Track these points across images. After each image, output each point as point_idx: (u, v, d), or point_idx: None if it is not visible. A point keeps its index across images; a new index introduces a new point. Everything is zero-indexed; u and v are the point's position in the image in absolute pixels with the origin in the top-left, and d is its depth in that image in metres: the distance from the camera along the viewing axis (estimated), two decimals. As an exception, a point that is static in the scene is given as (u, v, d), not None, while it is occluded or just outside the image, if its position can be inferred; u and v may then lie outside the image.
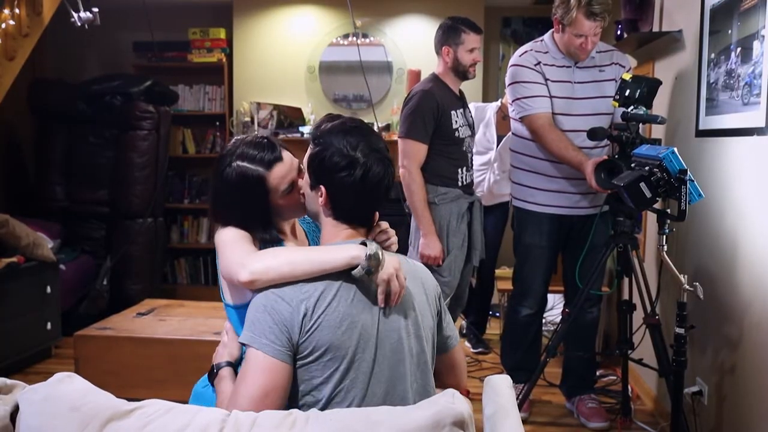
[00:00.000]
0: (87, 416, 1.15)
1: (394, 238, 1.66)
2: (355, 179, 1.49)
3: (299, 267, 1.46)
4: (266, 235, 1.62)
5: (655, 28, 3.45)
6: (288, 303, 1.43)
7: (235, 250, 1.55)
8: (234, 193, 1.61)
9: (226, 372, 1.56)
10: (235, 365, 1.57)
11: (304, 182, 1.60)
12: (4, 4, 3.94)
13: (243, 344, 1.46)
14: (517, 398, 2.11)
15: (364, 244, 1.48)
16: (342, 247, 1.49)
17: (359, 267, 1.44)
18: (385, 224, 1.64)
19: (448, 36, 3.25)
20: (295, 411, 1.21)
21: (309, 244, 1.80)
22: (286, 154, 1.65)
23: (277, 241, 1.64)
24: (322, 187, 1.52)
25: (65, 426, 1.15)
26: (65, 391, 1.20)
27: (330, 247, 1.51)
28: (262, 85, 5.45)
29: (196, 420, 1.16)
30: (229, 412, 1.20)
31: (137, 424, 1.15)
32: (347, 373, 1.44)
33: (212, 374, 1.59)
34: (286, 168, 1.63)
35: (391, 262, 1.49)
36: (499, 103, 4.28)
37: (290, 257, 1.48)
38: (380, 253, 1.46)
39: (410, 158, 3.17)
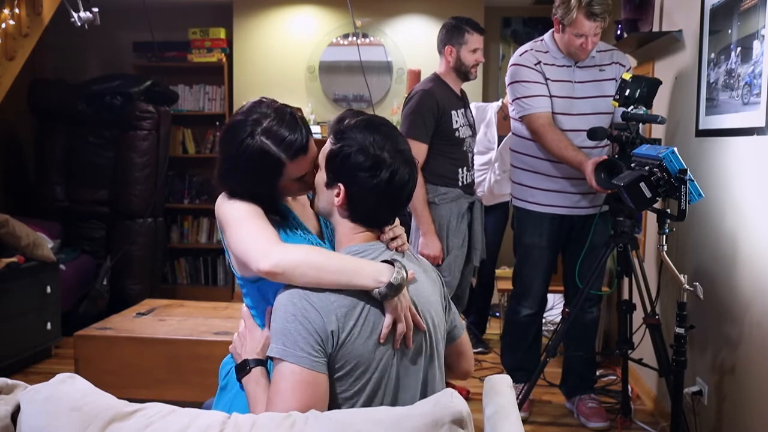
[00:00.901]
0: (88, 417, 1.15)
1: (407, 245, 1.58)
2: (381, 181, 1.41)
3: (327, 276, 1.36)
4: (272, 213, 1.54)
5: (655, 28, 3.45)
6: (318, 311, 1.34)
7: (253, 232, 1.45)
8: (247, 167, 1.51)
9: (258, 373, 1.46)
10: (265, 362, 1.48)
11: (319, 178, 1.51)
12: (4, 4, 3.94)
13: (272, 358, 1.37)
14: (517, 398, 2.11)
15: (392, 263, 1.40)
16: (372, 266, 1.39)
17: (377, 290, 1.36)
18: (400, 230, 1.56)
19: (451, 35, 3.26)
20: (294, 413, 1.20)
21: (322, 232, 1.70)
22: (311, 144, 1.55)
23: (283, 217, 1.58)
24: (342, 186, 1.44)
25: (66, 426, 1.15)
26: (67, 392, 1.20)
27: (361, 261, 1.41)
28: (262, 85, 5.45)
29: (196, 422, 1.16)
30: (230, 415, 1.20)
31: (138, 426, 1.15)
32: (379, 385, 1.38)
33: (242, 369, 1.48)
34: (308, 161, 1.54)
35: (407, 298, 1.41)
36: (500, 103, 4.29)
37: (322, 261, 1.38)
38: (403, 284, 1.38)
39: None
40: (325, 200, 1.51)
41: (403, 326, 1.40)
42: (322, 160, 1.50)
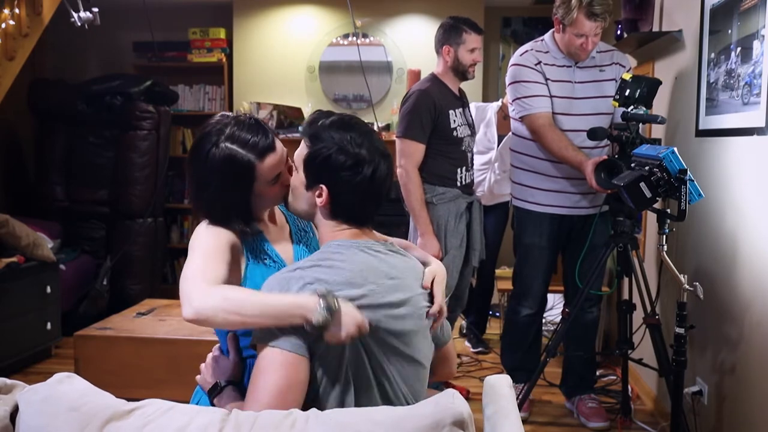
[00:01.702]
0: (86, 416, 1.15)
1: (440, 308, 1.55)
2: (364, 178, 1.43)
3: (250, 319, 1.35)
4: (247, 228, 1.52)
5: (655, 28, 3.45)
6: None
7: (194, 271, 1.40)
8: (217, 177, 1.48)
9: (231, 389, 1.48)
10: (237, 384, 1.50)
11: (297, 181, 1.51)
12: (4, 4, 3.94)
13: (252, 348, 1.39)
14: (517, 398, 2.11)
15: (325, 297, 1.34)
16: (296, 303, 1.34)
17: (308, 327, 1.33)
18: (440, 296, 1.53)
19: (449, 35, 3.26)
20: (295, 411, 1.20)
21: (290, 228, 1.68)
22: (278, 143, 1.54)
23: (257, 234, 1.55)
24: (324, 187, 1.45)
25: (65, 426, 1.14)
26: (65, 392, 1.20)
27: (284, 299, 1.37)
28: (262, 85, 5.45)
29: (195, 420, 1.16)
30: (229, 411, 1.20)
31: (137, 424, 1.15)
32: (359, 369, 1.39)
33: (214, 390, 1.49)
34: (277, 158, 1.52)
35: (351, 318, 1.34)
36: (500, 102, 4.28)
37: (240, 305, 1.35)
38: (328, 321, 1.31)
39: (407, 158, 3.18)
40: (304, 202, 1.51)
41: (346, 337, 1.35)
42: (299, 162, 1.50)
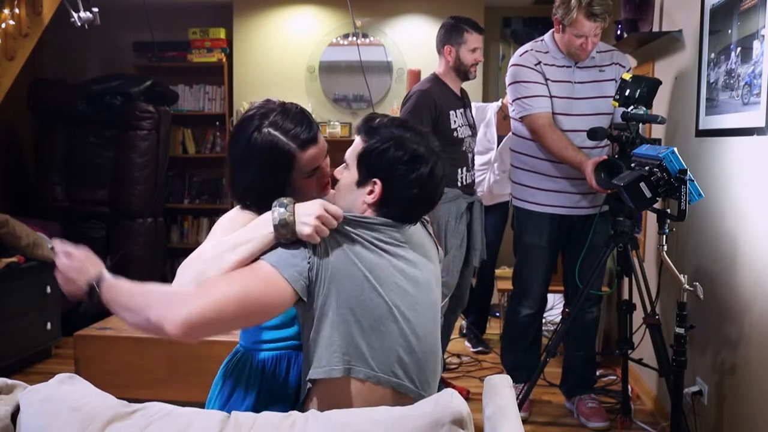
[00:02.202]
0: (88, 417, 1.15)
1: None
2: (421, 174, 1.43)
3: (229, 257, 1.37)
4: None
5: (655, 28, 3.45)
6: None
7: (188, 267, 1.42)
8: (256, 161, 1.48)
9: (112, 281, 1.38)
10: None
11: (347, 179, 1.50)
12: (4, 4, 3.94)
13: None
14: (517, 398, 2.11)
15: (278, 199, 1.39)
16: (257, 222, 1.40)
17: (281, 238, 1.36)
18: None
19: (450, 35, 3.26)
20: (294, 412, 1.20)
21: None
22: (321, 138, 1.54)
23: None
24: (378, 181, 1.43)
25: (66, 426, 1.15)
26: (66, 392, 1.20)
27: (244, 229, 1.41)
28: (262, 85, 5.45)
29: (196, 422, 1.16)
30: (229, 414, 1.20)
31: (138, 426, 1.16)
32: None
33: (93, 293, 1.39)
34: (317, 151, 1.51)
35: (307, 209, 1.37)
36: (499, 103, 4.29)
37: (217, 251, 1.38)
38: (289, 217, 1.36)
39: None
40: (352, 199, 1.49)
41: (325, 230, 1.37)
42: (352, 158, 1.49)
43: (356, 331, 1.37)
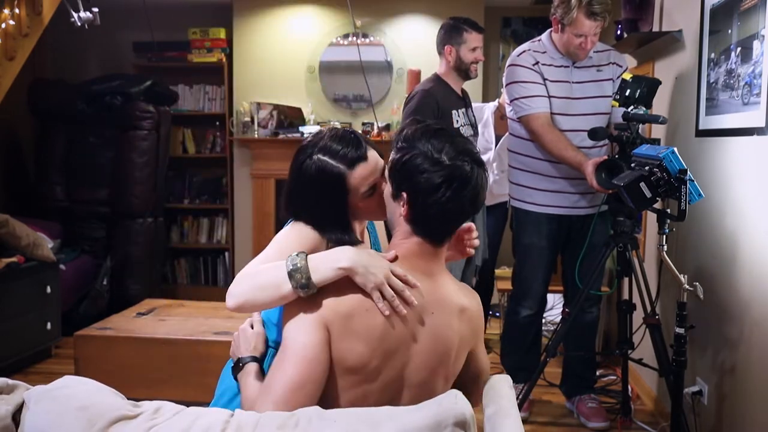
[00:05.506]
0: (94, 416, 1.15)
1: (475, 241, 1.57)
2: (444, 185, 1.35)
3: (262, 294, 1.39)
4: (345, 237, 1.49)
5: (655, 28, 3.44)
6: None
7: (257, 261, 1.45)
8: (311, 187, 1.49)
9: (253, 368, 1.45)
10: (260, 360, 1.49)
11: (387, 191, 1.47)
12: (4, 4, 3.93)
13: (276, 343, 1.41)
14: (517, 398, 2.11)
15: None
16: (276, 271, 1.38)
17: (300, 291, 1.34)
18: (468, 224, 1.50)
19: (450, 35, 3.26)
20: (298, 411, 1.20)
21: (371, 246, 1.68)
22: (372, 154, 1.50)
23: (356, 244, 1.50)
24: (404, 194, 1.39)
25: (72, 426, 1.15)
26: (73, 391, 1.21)
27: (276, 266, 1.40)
28: (262, 85, 5.45)
29: (199, 421, 1.16)
30: (233, 413, 1.20)
31: (143, 426, 1.16)
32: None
33: (237, 367, 1.49)
34: (369, 169, 1.49)
35: (371, 262, 1.35)
36: (496, 102, 4.28)
37: (258, 284, 1.40)
38: (302, 265, 1.34)
39: None
40: (392, 213, 1.46)
41: (390, 292, 1.35)
42: (386, 172, 1.47)
43: None
